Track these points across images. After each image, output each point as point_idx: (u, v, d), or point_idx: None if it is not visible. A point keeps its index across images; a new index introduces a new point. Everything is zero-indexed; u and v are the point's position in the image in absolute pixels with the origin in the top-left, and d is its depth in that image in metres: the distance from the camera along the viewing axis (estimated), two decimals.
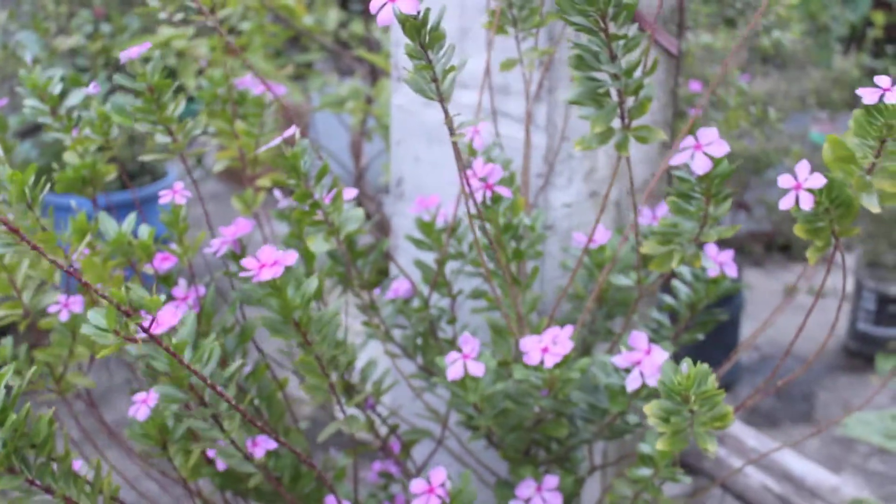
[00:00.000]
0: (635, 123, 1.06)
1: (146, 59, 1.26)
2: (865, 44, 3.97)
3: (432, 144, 1.62)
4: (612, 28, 0.96)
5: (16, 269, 1.22)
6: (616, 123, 1.06)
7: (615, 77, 1.00)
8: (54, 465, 0.94)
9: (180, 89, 1.30)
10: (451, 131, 0.96)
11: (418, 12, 0.85)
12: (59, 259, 1.14)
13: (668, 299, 1.41)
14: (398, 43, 1.62)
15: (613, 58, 0.97)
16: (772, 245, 3.59)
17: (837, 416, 2.67)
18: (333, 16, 2.94)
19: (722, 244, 1.32)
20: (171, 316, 0.88)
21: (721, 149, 0.97)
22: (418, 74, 0.91)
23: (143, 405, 1.09)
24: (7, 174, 1.09)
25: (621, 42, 0.97)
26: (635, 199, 1.57)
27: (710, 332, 1.43)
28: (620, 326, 1.52)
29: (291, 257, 0.97)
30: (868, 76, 4.04)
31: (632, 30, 0.98)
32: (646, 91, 1.02)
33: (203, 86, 1.52)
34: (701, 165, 0.97)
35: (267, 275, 0.96)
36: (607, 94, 1.03)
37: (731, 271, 1.26)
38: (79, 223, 1.13)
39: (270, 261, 0.97)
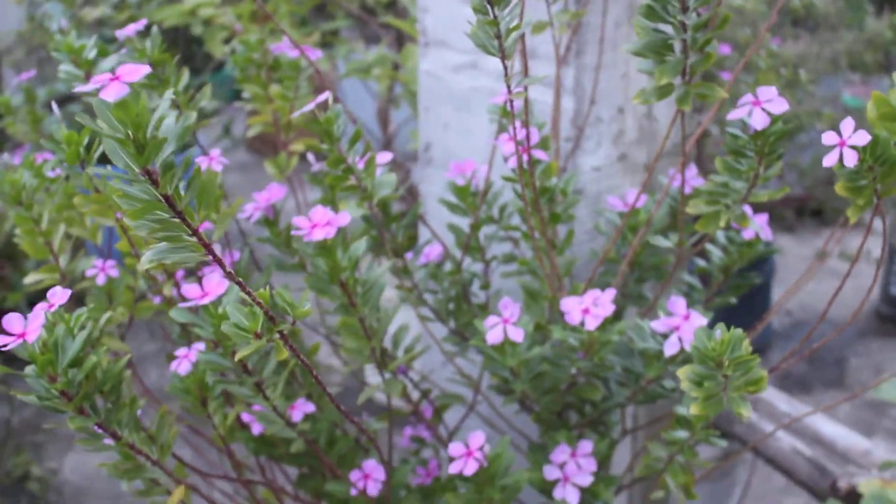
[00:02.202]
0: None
1: (144, 35, 1.25)
2: None
3: (460, 110, 1.61)
4: None
5: (53, 233, 1.23)
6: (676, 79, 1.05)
7: (682, 29, 0.99)
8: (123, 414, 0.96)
9: (220, 71, 1.30)
10: (508, 88, 0.96)
11: None
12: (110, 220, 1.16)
13: (700, 262, 1.40)
14: (425, 9, 1.62)
15: (685, 9, 0.97)
16: (804, 210, 3.56)
17: (869, 380, 2.66)
18: None
19: (755, 208, 1.31)
20: (218, 285, 0.89)
21: (780, 106, 0.97)
22: (481, 29, 0.91)
23: (184, 360, 1.10)
24: (63, 134, 1.10)
25: None
26: (665, 161, 1.56)
27: (741, 297, 1.42)
28: (652, 290, 1.51)
29: (344, 218, 0.97)
30: None
31: None
32: (712, 46, 1.01)
33: (237, 50, 1.52)
34: (759, 121, 0.97)
35: (319, 235, 0.97)
36: (670, 47, 1.02)
37: (766, 234, 1.25)
38: (114, 188, 1.14)
39: (323, 221, 0.97)
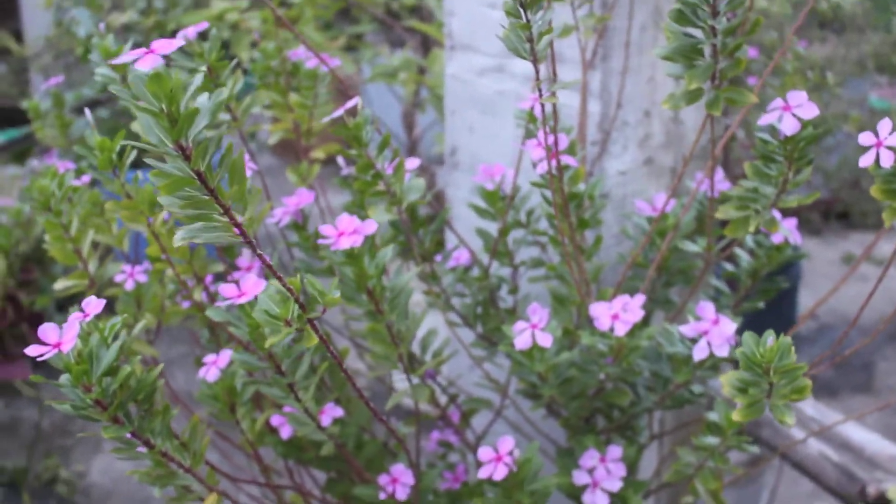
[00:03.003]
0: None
1: (203, 38, 1.26)
2: None
3: (486, 114, 1.61)
4: None
5: (82, 239, 1.24)
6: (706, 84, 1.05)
7: (713, 34, 0.99)
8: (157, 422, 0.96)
9: (237, 66, 1.31)
10: (539, 92, 0.96)
11: None
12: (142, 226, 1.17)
13: (728, 266, 1.40)
14: (452, 12, 1.62)
15: (715, 13, 0.96)
16: (830, 213, 3.54)
17: None
18: None
19: (783, 212, 1.31)
20: (256, 285, 0.89)
21: (811, 111, 0.96)
22: (513, 33, 0.92)
23: (213, 366, 1.11)
24: (97, 141, 1.11)
25: None
26: (692, 165, 1.56)
27: (768, 300, 1.42)
28: (678, 295, 1.51)
29: (371, 226, 0.97)
30: None
31: None
32: (742, 51, 1.01)
33: (256, 57, 1.53)
34: (789, 126, 0.97)
35: (346, 243, 0.97)
36: (700, 52, 1.02)
37: (796, 238, 1.25)
38: (147, 193, 1.15)
39: (350, 229, 0.98)
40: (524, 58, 0.94)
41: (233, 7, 2.58)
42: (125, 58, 0.65)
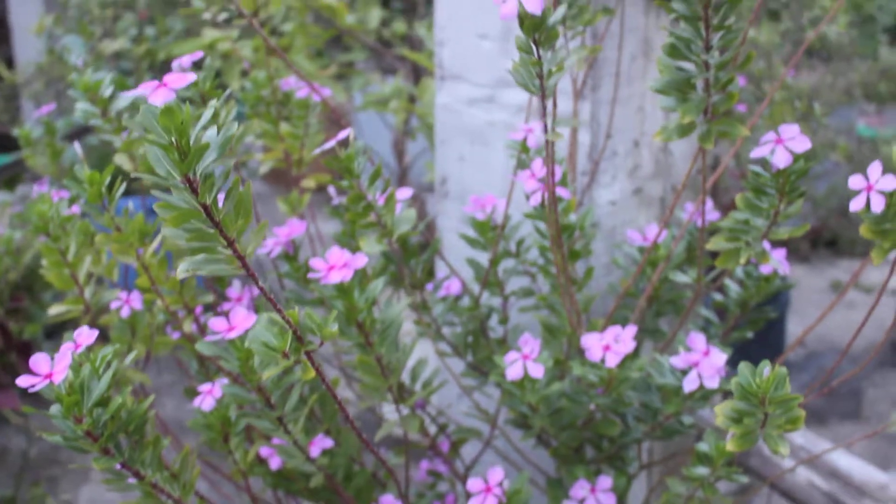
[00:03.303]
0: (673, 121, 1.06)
1: (197, 67, 1.27)
2: None
3: (476, 144, 1.62)
4: (713, 19, 0.96)
5: (79, 265, 1.24)
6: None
7: (705, 68, 1.00)
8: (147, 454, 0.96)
9: (230, 96, 1.31)
10: (545, 129, 0.97)
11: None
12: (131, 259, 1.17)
13: (718, 297, 1.41)
14: (442, 43, 1.63)
15: (708, 48, 0.97)
16: (818, 240, 3.56)
17: (886, 411, 2.65)
18: (376, 14, 2.95)
19: (772, 243, 1.32)
20: (245, 319, 0.89)
21: (803, 144, 0.97)
22: (524, 68, 0.93)
23: (208, 396, 1.11)
24: (87, 175, 1.11)
25: (720, 33, 0.97)
26: (681, 195, 1.57)
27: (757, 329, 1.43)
28: (668, 325, 1.51)
29: (361, 260, 0.98)
30: None
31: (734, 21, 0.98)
32: (734, 85, 1.02)
33: (246, 87, 1.53)
34: (782, 159, 0.97)
35: (336, 277, 0.97)
36: (693, 85, 1.03)
37: (784, 269, 1.26)
38: (137, 224, 1.15)
39: (340, 263, 0.98)
40: (534, 93, 0.95)
41: (224, 37, 2.59)
42: (138, 91, 0.66)
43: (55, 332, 2.65)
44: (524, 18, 0.89)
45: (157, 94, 0.66)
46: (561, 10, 0.91)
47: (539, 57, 0.92)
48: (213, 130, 0.69)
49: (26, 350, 2.38)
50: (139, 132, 1.34)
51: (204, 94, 1.25)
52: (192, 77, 0.67)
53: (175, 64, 1.23)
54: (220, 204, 0.72)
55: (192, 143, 0.67)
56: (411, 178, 3.12)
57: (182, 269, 0.74)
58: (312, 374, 0.85)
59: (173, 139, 0.66)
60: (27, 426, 2.58)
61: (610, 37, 1.43)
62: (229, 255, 0.74)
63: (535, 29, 0.90)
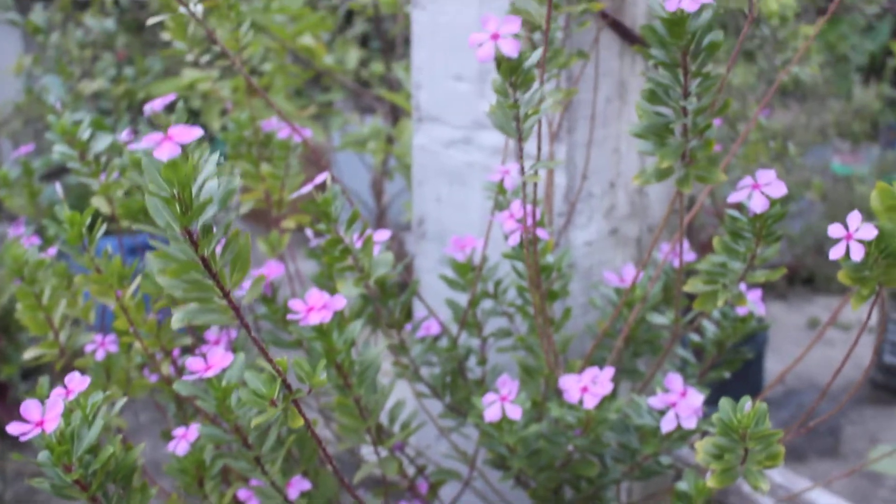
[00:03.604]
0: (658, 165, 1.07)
1: (169, 110, 1.27)
2: (885, 74, 3.97)
3: (454, 185, 1.63)
4: (691, 66, 0.98)
5: (54, 308, 1.24)
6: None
7: (683, 114, 1.01)
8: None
9: (207, 136, 1.32)
10: (522, 171, 0.98)
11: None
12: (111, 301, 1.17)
13: (694, 337, 1.42)
14: (419, 85, 1.64)
15: (687, 94, 0.99)
16: (795, 278, 3.58)
17: (864, 449, 2.66)
18: (354, 55, 2.97)
19: (749, 284, 1.32)
20: (223, 358, 0.89)
21: (779, 189, 0.98)
22: (501, 111, 0.94)
23: (182, 440, 1.10)
24: (66, 215, 1.11)
25: (698, 79, 0.99)
26: (658, 236, 1.58)
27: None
28: (645, 365, 1.52)
29: (340, 302, 0.98)
30: (889, 107, 4.04)
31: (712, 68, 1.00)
32: (711, 131, 1.03)
33: (228, 127, 1.54)
34: (759, 204, 0.99)
35: (315, 318, 0.98)
36: (671, 130, 1.04)
37: (760, 310, 1.27)
38: (116, 266, 1.15)
39: (319, 304, 0.98)
40: (511, 135, 0.96)
41: (204, 77, 2.60)
42: (143, 145, 0.66)
43: (32, 374, 2.63)
44: (501, 61, 0.90)
45: (162, 149, 0.65)
46: (536, 53, 0.92)
47: (516, 100, 0.94)
48: (213, 182, 0.69)
49: (2, 391, 2.36)
50: (132, 180, 1.34)
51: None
52: (198, 132, 0.66)
53: (147, 107, 1.23)
54: (219, 253, 0.72)
55: (195, 196, 0.67)
56: (390, 217, 3.13)
57: (177, 320, 0.74)
58: (301, 422, 0.85)
59: (175, 192, 0.66)
60: (3, 468, 2.55)
61: (585, 80, 1.45)
62: (224, 305, 0.74)
63: (512, 72, 0.91)
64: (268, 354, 0.80)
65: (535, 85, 1.38)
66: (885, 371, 2.95)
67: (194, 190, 0.67)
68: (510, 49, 0.88)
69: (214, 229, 0.71)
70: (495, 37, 0.89)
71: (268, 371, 0.85)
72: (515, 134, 0.96)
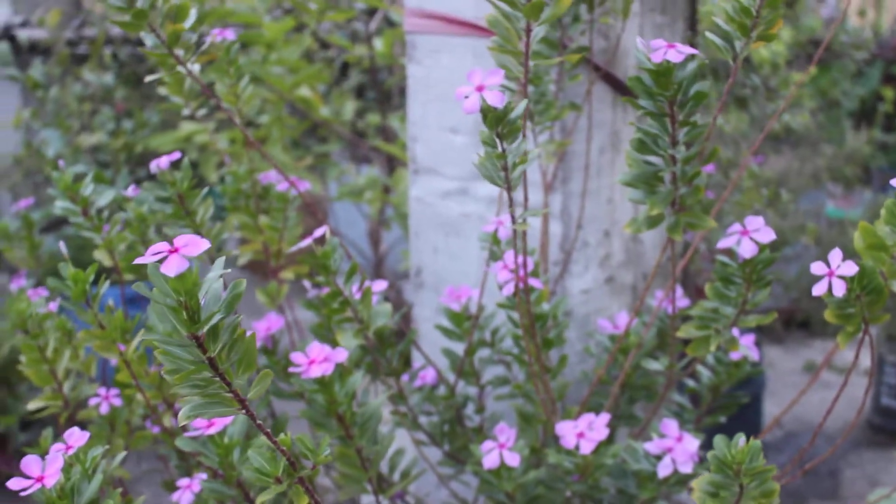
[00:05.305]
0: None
1: (174, 166, 1.29)
2: (876, 118, 4.02)
3: (450, 236, 1.65)
4: (678, 115, 1.00)
5: (57, 361, 1.25)
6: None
7: (672, 162, 1.03)
8: None
9: (209, 193, 1.34)
10: (513, 220, 1.00)
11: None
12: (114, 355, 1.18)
13: (690, 382, 1.43)
14: (415, 138, 1.66)
15: (675, 143, 1.01)
16: (791, 321, 3.59)
17: (864, 491, 2.65)
18: (350, 106, 3.00)
19: (742, 328, 1.34)
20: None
21: (768, 235, 1.01)
22: (489, 161, 0.95)
23: (186, 490, 1.11)
24: (70, 273, 1.13)
25: (686, 128, 1.01)
26: (652, 283, 1.59)
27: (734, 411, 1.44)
28: (642, 410, 1.53)
29: (341, 355, 0.99)
30: (881, 151, 4.08)
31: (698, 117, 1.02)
32: (700, 179, 1.05)
33: (226, 180, 1.56)
34: (748, 250, 1.01)
35: (316, 371, 0.99)
36: (660, 178, 1.06)
37: (754, 355, 1.28)
38: (118, 321, 1.16)
39: (320, 357, 1.00)
40: (499, 185, 0.97)
41: (201, 129, 2.63)
42: (149, 258, 0.66)
43: (31, 425, 2.63)
44: (487, 112, 0.92)
45: (170, 265, 0.65)
46: (522, 104, 0.94)
47: (503, 150, 0.95)
48: (219, 284, 0.70)
49: (2, 442, 2.36)
50: (136, 234, 1.34)
51: (182, 193, 1.27)
52: (205, 244, 0.65)
53: (153, 164, 1.25)
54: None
55: (202, 304, 0.67)
56: (387, 265, 3.14)
57: (183, 415, 0.74)
58: (306, 500, 0.85)
59: (182, 299, 0.66)
60: None
61: (578, 131, 1.47)
62: (230, 398, 0.74)
63: (498, 122, 0.92)
64: (272, 436, 0.81)
65: (528, 136, 1.41)
66: (882, 414, 2.95)
67: (201, 296, 0.67)
68: (495, 100, 0.90)
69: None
70: (480, 88, 0.90)
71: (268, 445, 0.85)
72: (504, 183, 0.98)
